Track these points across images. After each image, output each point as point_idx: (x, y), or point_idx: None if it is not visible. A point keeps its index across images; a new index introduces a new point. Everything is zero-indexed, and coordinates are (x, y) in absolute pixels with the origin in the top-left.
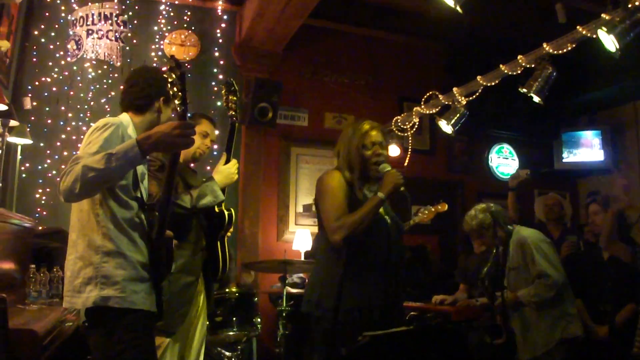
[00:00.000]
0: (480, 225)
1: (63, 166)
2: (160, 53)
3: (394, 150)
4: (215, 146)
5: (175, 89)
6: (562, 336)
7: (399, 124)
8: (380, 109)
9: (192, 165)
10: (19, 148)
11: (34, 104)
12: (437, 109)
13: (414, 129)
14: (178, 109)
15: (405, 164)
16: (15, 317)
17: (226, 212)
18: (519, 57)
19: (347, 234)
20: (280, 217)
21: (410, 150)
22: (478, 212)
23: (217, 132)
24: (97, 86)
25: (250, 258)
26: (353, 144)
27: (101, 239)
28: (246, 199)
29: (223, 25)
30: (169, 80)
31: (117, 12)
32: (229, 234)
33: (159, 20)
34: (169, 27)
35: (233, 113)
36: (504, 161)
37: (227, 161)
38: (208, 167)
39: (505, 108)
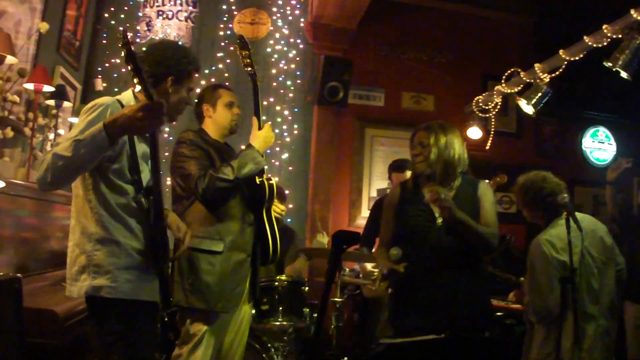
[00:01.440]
0: (536, 193)
1: None
2: (229, 32)
3: (474, 133)
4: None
5: (129, 67)
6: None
7: (481, 104)
8: (463, 88)
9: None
10: None
11: (104, 85)
12: (519, 88)
13: (497, 110)
14: (138, 87)
15: (487, 147)
16: (46, 296)
17: (267, 182)
18: (604, 26)
19: None
20: (353, 201)
21: (492, 132)
22: (538, 177)
23: None
24: None
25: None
26: None
27: (94, 226)
28: (317, 181)
29: (294, 2)
30: (124, 57)
31: None
32: (279, 211)
33: None
34: (238, 6)
35: (250, 69)
36: (599, 145)
37: (259, 124)
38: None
39: (600, 87)
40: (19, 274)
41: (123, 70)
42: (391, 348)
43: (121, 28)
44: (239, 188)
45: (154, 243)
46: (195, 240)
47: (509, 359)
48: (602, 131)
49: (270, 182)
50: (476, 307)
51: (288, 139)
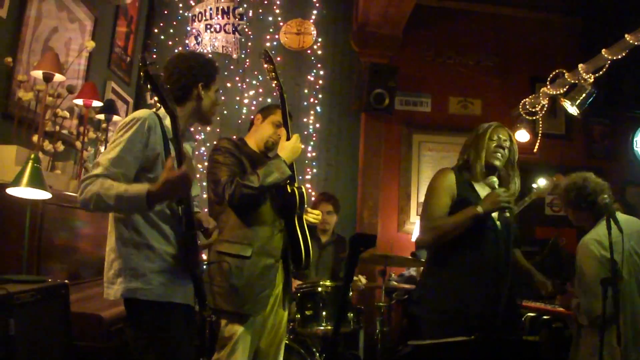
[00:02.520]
0: (578, 194)
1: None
2: (275, 43)
3: (522, 136)
4: None
5: (148, 87)
6: None
7: (528, 106)
8: (510, 92)
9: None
10: None
11: (155, 98)
12: (564, 89)
13: (544, 112)
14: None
15: (535, 149)
16: (95, 302)
17: (297, 191)
18: None
19: (437, 237)
20: (401, 207)
21: (540, 134)
22: (579, 178)
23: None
24: None
25: (369, 250)
26: (480, 146)
27: (129, 231)
28: (365, 188)
29: (339, 11)
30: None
31: (234, 5)
32: (313, 217)
33: (274, 10)
34: (284, 17)
35: (275, 82)
36: None
37: (288, 135)
38: None
39: None
40: (66, 281)
41: None
42: (419, 349)
43: (140, 56)
44: (268, 195)
45: (187, 249)
46: (225, 245)
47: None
48: None
49: (300, 189)
50: (509, 308)
51: (336, 147)
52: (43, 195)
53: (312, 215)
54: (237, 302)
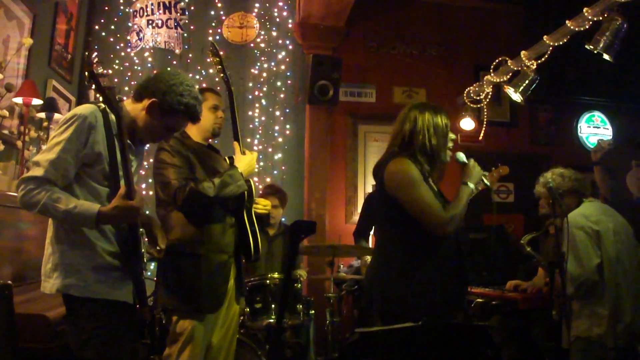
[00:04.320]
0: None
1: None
2: (218, 37)
3: (467, 124)
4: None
5: (92, 87)
6: (582, 334)
7: (472, 95)
8: (454, 80)
9: (210, 141)
10: None
11: (97, 96)
12: (508, 76)
13: (488, 99)
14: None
15: (480, 137)
16: (41, 303)
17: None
18: (584, 9)
19: (457, 226)
20: (349, 198)
21: (485, 122)
22: (557, 176)
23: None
24: None
25: (317, 241)
26: (441, 134)
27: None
28: (312, 180)
29: (281, 4)
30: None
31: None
32: (261, 207)
33: (216, 4)
34: (226, 11)
35: (222, 75)
36: (595, 130)
37: (240, 147)
38: None
39: (592, 72)
40: (9, 282)
41: (116, 80)
42: (366, 336)
43: (85, 55)
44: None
45: (127, 246)
46: (178, 244)
47: (489, 344)
48: (598, 116)
49: (250, 183)
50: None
51: (281, 140)
52: None
53: (260, 205)
54: (193, 300)
